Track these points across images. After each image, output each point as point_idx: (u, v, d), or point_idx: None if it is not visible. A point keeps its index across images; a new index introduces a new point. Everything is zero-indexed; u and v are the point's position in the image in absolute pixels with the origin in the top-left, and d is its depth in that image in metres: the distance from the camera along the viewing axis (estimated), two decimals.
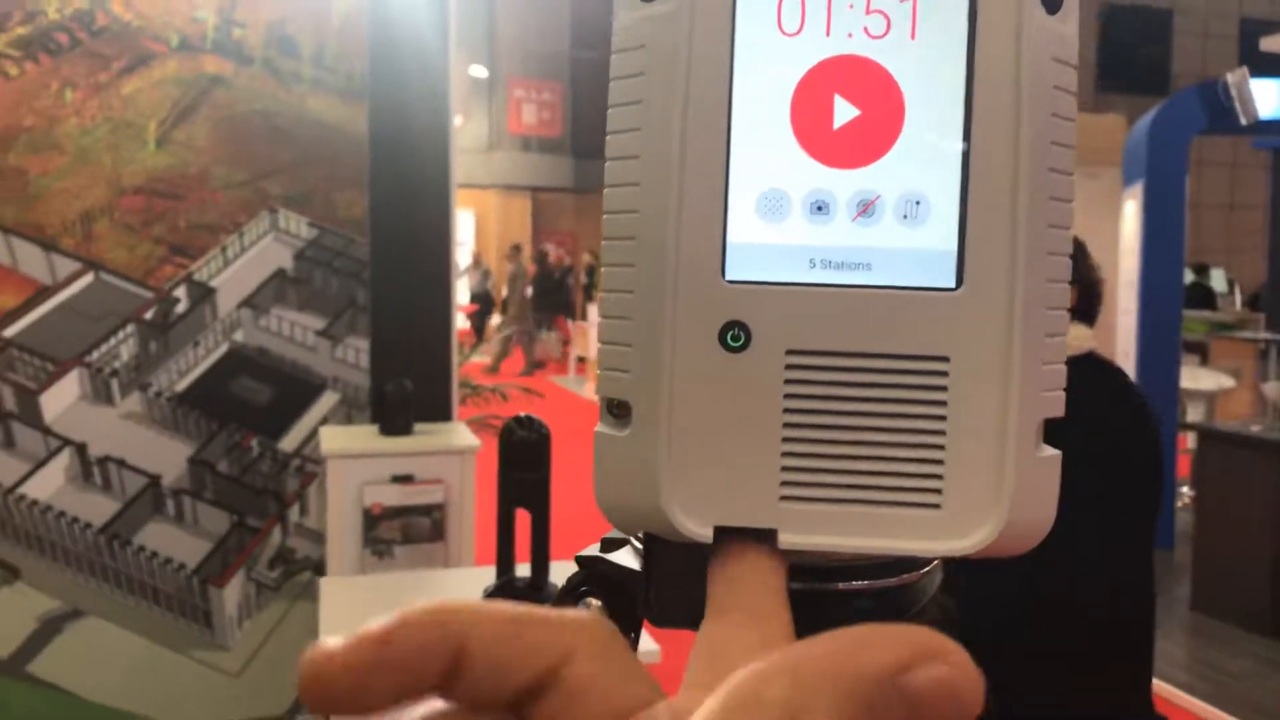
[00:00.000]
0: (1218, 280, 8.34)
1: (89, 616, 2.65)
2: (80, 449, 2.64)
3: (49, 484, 2.61)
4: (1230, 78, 4.67)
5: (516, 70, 16.62)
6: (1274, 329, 6.62)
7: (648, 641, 1.42)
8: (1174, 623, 3.99)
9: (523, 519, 1.61)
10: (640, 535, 0.40)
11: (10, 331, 2.59)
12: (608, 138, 0.33)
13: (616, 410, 0.34)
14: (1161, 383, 5.02)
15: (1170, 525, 4.97)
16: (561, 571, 1.67)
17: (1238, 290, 9.05)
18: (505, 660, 0.22)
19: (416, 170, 2.95)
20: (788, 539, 0.32)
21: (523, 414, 1.67)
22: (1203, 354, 7.16)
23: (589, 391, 10.46)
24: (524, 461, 1.62)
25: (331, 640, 0.21)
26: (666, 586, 0.36)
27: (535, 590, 1.58)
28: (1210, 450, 4.07)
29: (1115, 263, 5.66)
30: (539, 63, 16.73)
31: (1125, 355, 5.29)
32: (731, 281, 0.32)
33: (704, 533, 0.32)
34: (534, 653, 0.22)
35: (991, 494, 0.32)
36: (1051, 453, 0.34)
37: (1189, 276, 8.00)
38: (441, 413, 2.94)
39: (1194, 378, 5.90)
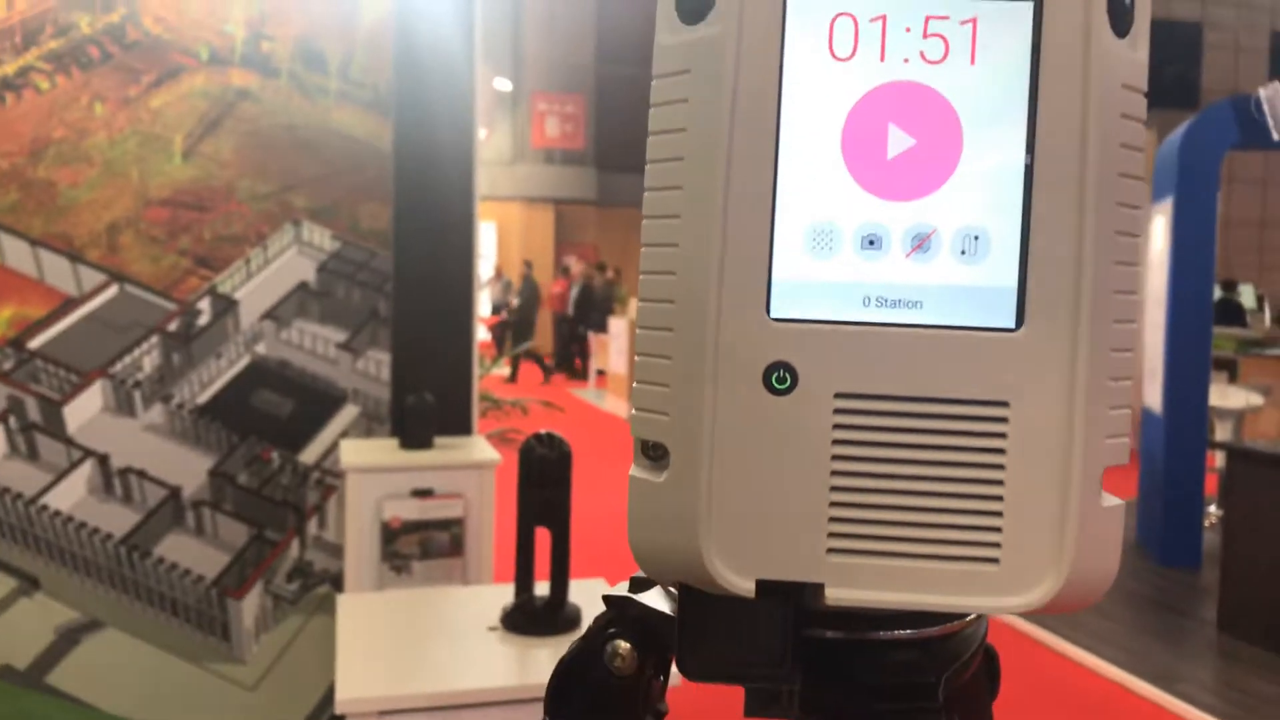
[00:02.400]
0: (1247, 296, 8.24)
1: (107, 628, 2.66)
2: (102, 460, 2.64)
3: (71, 495, 2.62)
4: (1263, 92, 4.62)
5: (541, 83, 16.69)
6: None
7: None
8: (1201, 644, 3.92)
9: (542, 536, 1.59)
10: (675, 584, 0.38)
11: (35, 343, 2.60)
12: (648, 167, 0.32)
13: (653, 453, 0.32)
14: (1190, 401, 4.95)
15: (1197, 545, 4.89)
16: (580, 590, 1.66)
17: (1267, 307, 8.94)
18: None
19: (440, 183, 2.95)
20: (835, 594, 0.30)
21: (543, 431, 1.66)
22: (1231, 371, 7.06)
23: (609, 405, 10.45)
24: (544, 479, 1.60)
25: None
26: (702, 639, 0.34)
27: (554, 610, 1.56)
28: (1239, 469, 4.00)
29: (1142, 278, 5.59)
30: (563, 76, 16.79)
31: (1153, 372, 5.23)
32: (777, 320, 0.30)
33: (745, 585, 0.31)
34: None
35: (1053, 547, 0.30)
36: (1115, 502, 0.32)
37: (1217, 293, 7.92)
38: (462, 426, 2.93)
39: (1223, 395, 5.82)
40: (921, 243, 0.30)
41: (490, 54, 15.08)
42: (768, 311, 0.31)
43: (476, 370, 3.06)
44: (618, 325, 10.51)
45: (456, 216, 2.98)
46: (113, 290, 2.66)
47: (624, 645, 0.45)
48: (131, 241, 2.67)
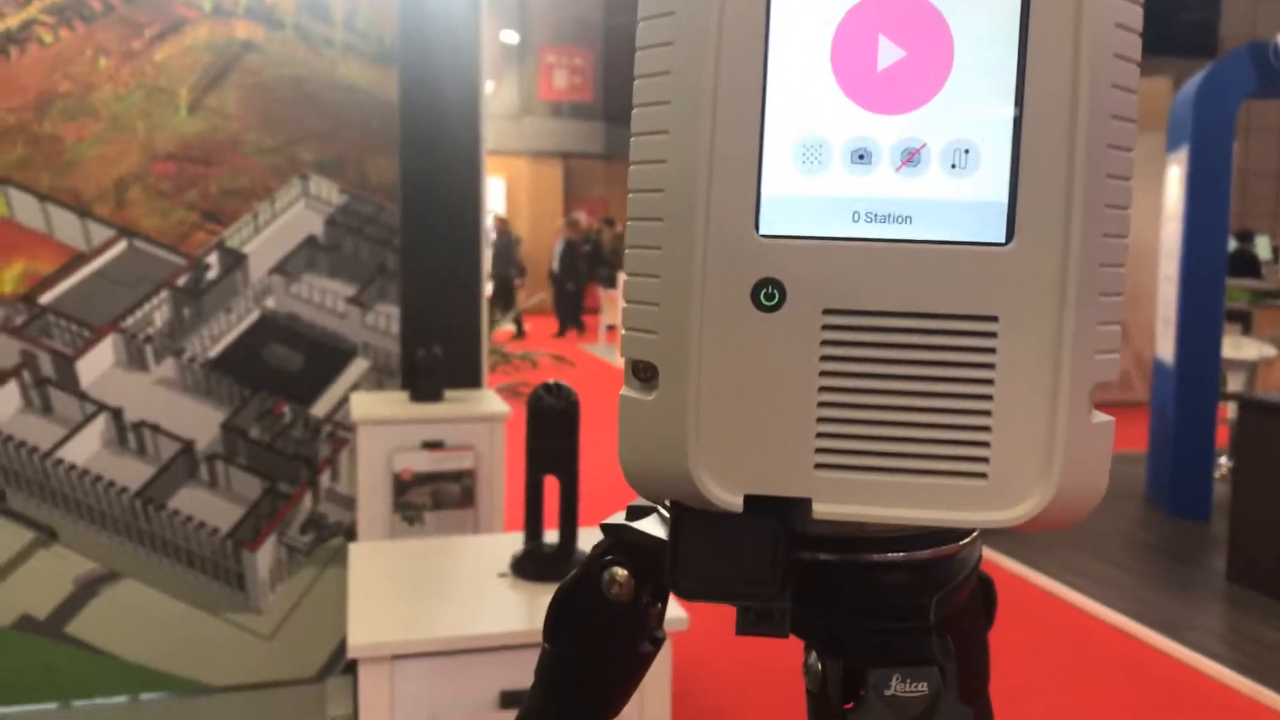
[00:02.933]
0: (1263, 248, 8.17)
1: (125, 579, 2.70)
2: (116, 414, 2.67)
3: (85, 448, 2.64)
4: None
5: (548, 36, 16.51)
6: None
7: (675, 609, 1.41)
8: (1210, 594, 3.94)
9: (551, 486, 1.60)
10: (667, 503, 0.39)
11: (47, 298, 2.61)
12: (635, 82, 0.32)
13: (642, 373, 0.33)
14: (1203, 352, 4.92)
15: (1208, 496, 4.90)
16: (590, 539, 1.67)
17: None
18: None
19: (447, 136, 2.93)
20: (823, 509, 0.31)
21: (551, 381, 1.66)
22: (1245, 322, 7.02)
23: (619, 360, 10.45)
24: (553, 429, 1.61)
25: None
26: (693, 558, 0.34)
27: (563, 557, 1.57)
28: (1250, 420, 3.99)
29: (1157, 229, 5.54)
30: (570, 28, 16.59)
31: (1166, 323, 5.20)
32: (766, 236, 0.30)
33: (734, 501, 0.31)
34: None
35: (1041, 462, 0.30)
36: (1104, 419, 0.32)
37: (1232, 244, 7.84)
38: (471, 379, 2.95)
39: (1236, 347, 5.79)
40: (911, 156, 0.30)
41: (497, 6, 14.91)
42: (756, 228, 0.30)
43: (486, 324, 3.07)
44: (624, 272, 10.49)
45: (464, 170, 2.96)
46: (122, 245, 2.66)
47: (621, 572, 0.45)
48: (139, 196, 2.67)
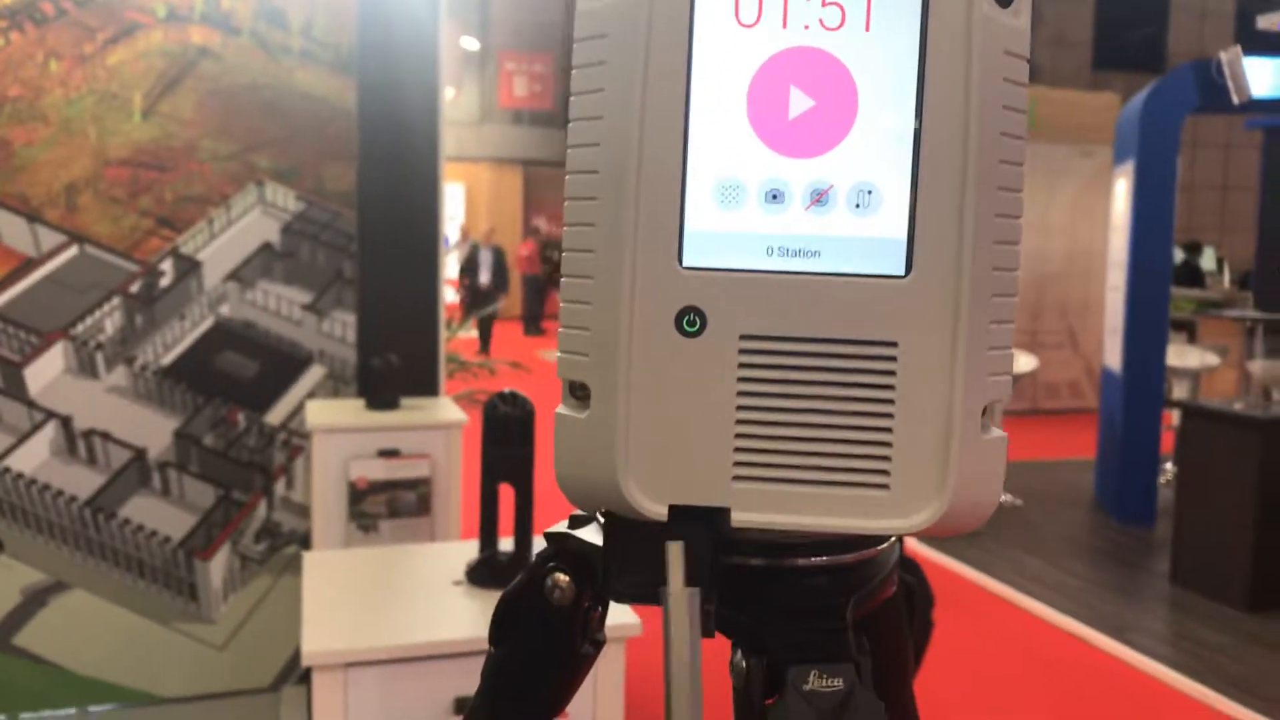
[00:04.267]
0: (1207, 259, 8.38)
1: (74, 589, 2.67)
2: (65, 422, 2.64)
3: (34, 457, 2.61)
4: (1224, 55, 4.67)
5: (508, 42, 16.50)
6: (1261, 308, 6.66)
7: (628, 615, 1.44)
8: (1154, 596, 4.04)
9: (507, 494, 1.62)
10: (601, 513, 0.41)
11: None
12: (570, 125, 0.34)
13: (578, 391, 0.35)
14: (1148, 360, 5.05)
15: (1152, 501, 5.02)
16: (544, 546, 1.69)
17: (1226, 269, 9.10)
18: None
19: (405, 143, 2.94)
20: (740, 517, 0.33)
21: (507, 390, 1.68)
22: (1190, 332, 7.19)
23: None
24: (508, 437, 1.63)
25: None
26: (624, 564, 0.37)
27: (518, 565, 1.59)
28: (1194, 427, 4.10)
29: (1105, 240, 5.67)
30: (531, 34, 16.60)
31: (1114, 331, 5.32)
32: (688, 268, 0.33)
33: (659, 510, 0.33)
34: None
35: (937, 476, 0.33)
36: (998, 435, 0.35)
37: (1180, 256, 8.03)
38: (428, 387, 2.95)
39: (1180, 355, 5.94)
40: (820, 197, 0.33)
41: (456, 12, 14.87)
42: (679, 260, 0.33)
43: (443, 332, 3.07)
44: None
45: (422, 177, 2.97)
46: (72, 251, 2.64)
47: (562, 578, 0.48)
48: (91, 202, 2.65)
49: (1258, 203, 7.66)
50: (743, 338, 0.33)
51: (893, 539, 0.45)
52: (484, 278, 11.63)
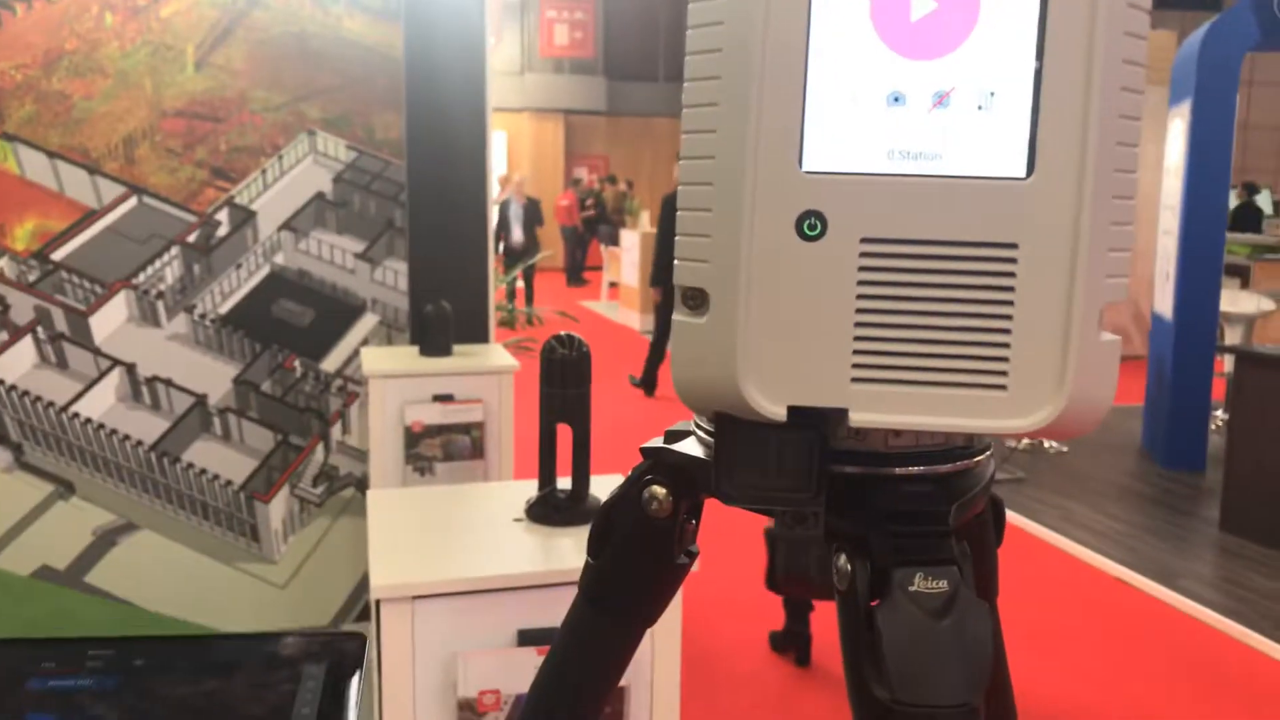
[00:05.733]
0: (1264, 202, 8.17)
1: (142, 530, 2.75)
2: (130, 369, 2.70)
3: (100, 403, 2.68)
4: None
5: None
6: None
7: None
8: (1203, 543, 4.01)
9: (563, 434, 1.64)
10: (703, 426, 0.42)
11: (59, 254, 2.64)
12: (688, 32, 0.35)
13: (692, 299, 0.36)
14: (1201, 306, 4.95)
15: (1203, 448, 4.95)
16: (600, 485, 1.71)
17: None
18: None
19: (452, 92, 2.94)
20: (859, 417, 0.34)
21: (563, 332, 1.70)
22: (1244, 277, 7.04)
23: (620, 316, 10.47)
24: (565, 378, 1.64)
25: None
26: (737, 466, 0.38)
27: (576, 502, 1.62)
28: (1247, 373, 4.03)
29: (1156, 184, 5.54)
30: None
31: (1165, 277, 5.22)
32: (809, 172, 0.33)
33: (778, 411, 0.34)
34: None
35: (1055, 376, 0.33)
36: (1112, 338, 0.35)
37: (1236, 199, 7.83)
38: (479, 334, 2.98)
39: (1234, 301, 5.82)
40: (942, 99, 0.33)
41: None
42: (800, 164, 0.34)
43: (493, 280, 3.09)
44: (630, 238, 10.41)
45: (469, 125, 2.97)
46: (132, 202, 2.68)
47: (660, 490, 0.49)
48: (148, 153, 2.68)
49: None
50: (863, 241, 0.34)
51: (990, 451, 0.46)
52: (516, 235, 10.95)
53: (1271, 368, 3.90)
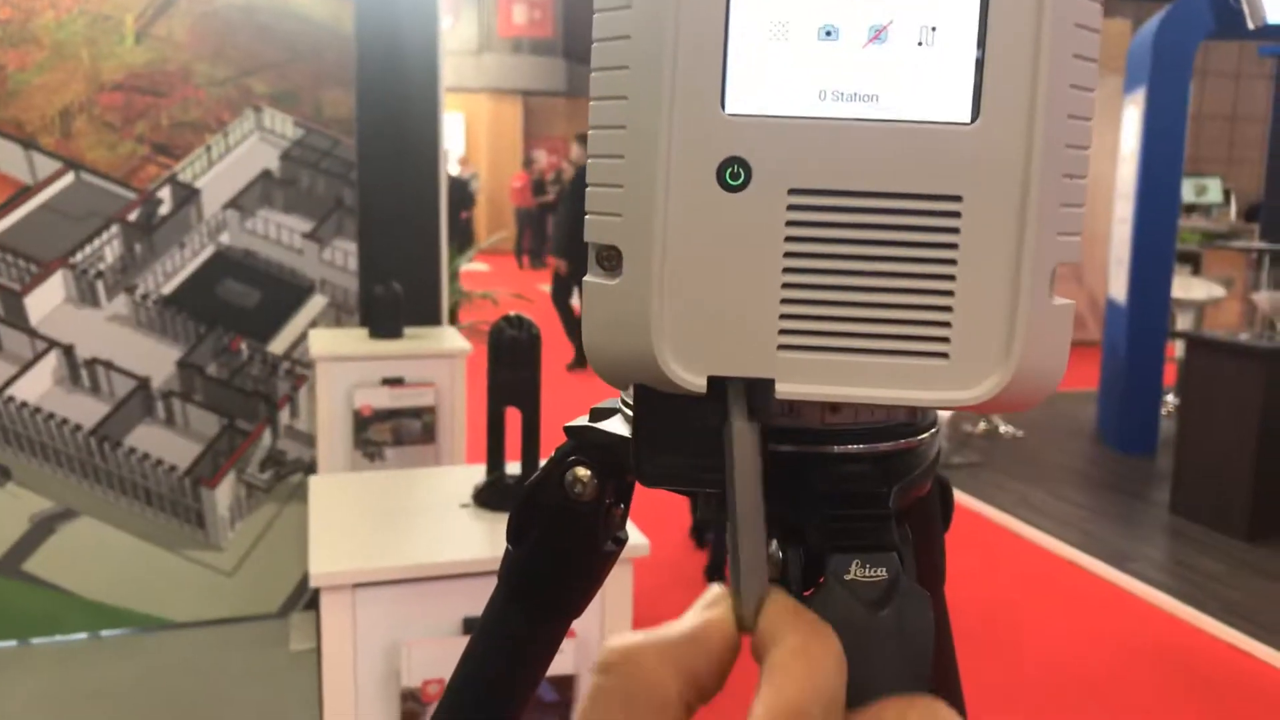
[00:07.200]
0: (1214, 190, 8.28)
1: (83, 516, 2.67)
2: (67, 351, 2.62)
3: (37, 386, 2.60)
4: None
5: None
6: (1268, 239, 6.59)
7: (636, 535, 1.43)
8: (1153, 525, 4.06)
9: (512, 418, 1.60)
10: (629, 394, 0.39)
11: None
12: None
13: (606, 258, 0.32)
14: (1153, 291, 5.01)
15: (1153, 432, 5.02)
16: None
17: (1233, 200, 8.99)
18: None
19: (404, 69, 2.87)
20: (786, 389, 0.31)
21: (513, 313, 1.65)
22: (1195, 264, 7.14)
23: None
24: (514, 360, 1.60)
25: None
26: (656, 444, 0.34)
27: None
28: (1197, 358, 4.08)
29: (1111, 172, 5.59)
30: None
31: (1119, 263, 5.27)
32: (732, 114, 0.30)
33: (697, 382, 0.31)
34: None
35: (1002, 343, 0.30)
36: (1064, 302, 0.32)
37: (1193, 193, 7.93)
38: (431, 316, 2.92)
39: (1185, 287, 5.90)
40: (878, 34, 0.30)
41: None
42: (722, 106, 0.30)
43: (445, 261, 3.04)
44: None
45: (421, 103, 2.91)
46: (69, 178, 2.59)
47: (584, 472, 0.45)
48: (86, 127, 2.59)
49: (1268, 133, 7.55)
50: (791, 192, 0.30)
51: (935, 429, 0.43)
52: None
53: (1221, 353, 3.94)
